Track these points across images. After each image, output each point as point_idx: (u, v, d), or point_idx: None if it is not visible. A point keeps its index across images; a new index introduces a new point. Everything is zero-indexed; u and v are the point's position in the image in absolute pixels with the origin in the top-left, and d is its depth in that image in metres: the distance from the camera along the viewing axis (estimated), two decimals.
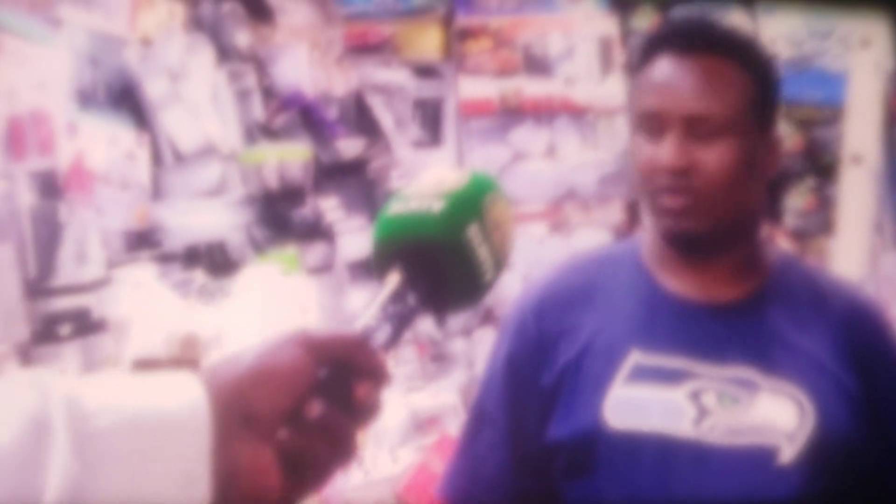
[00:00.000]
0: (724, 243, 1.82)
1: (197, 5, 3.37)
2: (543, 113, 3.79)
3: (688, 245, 1.83)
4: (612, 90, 3.72)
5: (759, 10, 3.88)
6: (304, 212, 3.31)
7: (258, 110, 3.41)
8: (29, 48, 2.86)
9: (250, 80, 3.41)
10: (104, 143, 3.00)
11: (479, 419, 1.96)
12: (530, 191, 3.73)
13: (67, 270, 2.77)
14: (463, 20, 3.79)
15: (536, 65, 3.81)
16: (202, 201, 3.17)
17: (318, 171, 3.40)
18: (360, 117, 3.61)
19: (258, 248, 3.18)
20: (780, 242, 3.71)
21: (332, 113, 3.55)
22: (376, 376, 0.93)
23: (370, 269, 1.05)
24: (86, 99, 3.00)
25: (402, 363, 3.34)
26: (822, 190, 3.80)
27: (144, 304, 2.85)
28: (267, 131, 3.39)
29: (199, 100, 3.25)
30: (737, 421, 1.75)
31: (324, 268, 3.30)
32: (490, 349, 2.01)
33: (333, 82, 3.59)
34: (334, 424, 0.90)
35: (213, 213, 3.15)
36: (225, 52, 3.38)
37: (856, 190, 3.71)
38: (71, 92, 2.95)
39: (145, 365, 2.74)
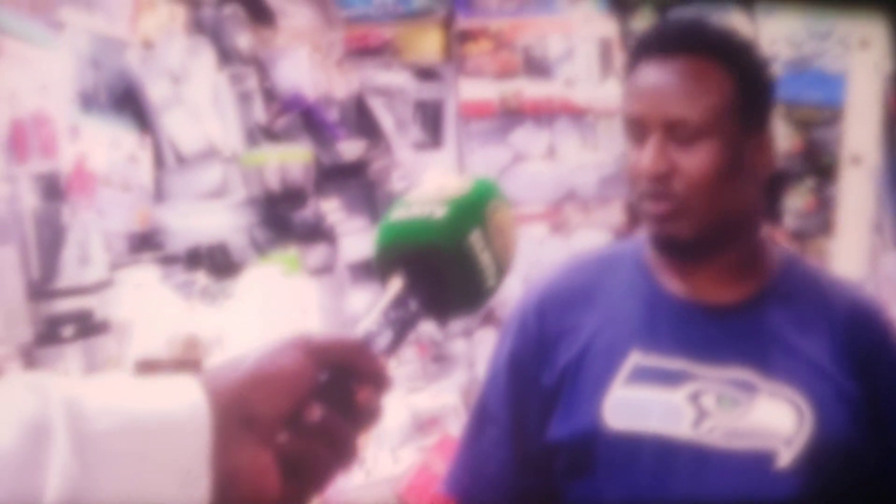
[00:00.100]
0: (715, 246, 1.81)
1: (198, 8, 3.37)
2: (543, 114, 3.80)
3: (675, 249, 1.82)
4: (611, 92, 3.73)
5: (758, 11, 3.89)
6: (306, 213, 3.31)
7: (259, 113, 3.41)
8: (31, 51, 2.87)
9: (251, 82, 3.42)
10: (106, 145, 3.00)
11: (481, 417, 1.96)
12: (530, 192, 3.74)
13: (70, 272, 2.78)
14: (463, 22, 3.80)
15: (536, 66, 3.82)
16: (204, 203, 3.18)
17: (319, 172, 3.40)
18: (361, 119, 3.62)
19: (260, 249, 3.19)
20: (779, 243, 3.71)
21: (332, 115, 3.56)
22: (377, 381, 0.93)
23: (371, 270, 1.05)
24: (88, 101, 3.01)
25: (403, 364, 3.35)
26: (822, 190, 3.80)
27: (147, 305, 2.85)
28: (268, 133, 3.40)
29: (200, 102, 3.25)
30: (735, 423, 1.75)
31: (325, 269, 3.31)
32: (491, 350, 2.02)
33: (334, 84, 3.59)
34: (334, 428, 0.90)
35: (214, 214, 3.16)
36: (226, 55, 3.38)
37: (855, 190, 3.71)
38: (73, 94, 2.95)
39: (147, 366, 2.75)
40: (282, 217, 3.25)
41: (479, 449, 1.95)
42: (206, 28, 3.37)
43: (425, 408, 3.28)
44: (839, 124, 3.78)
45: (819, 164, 3.82)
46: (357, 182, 3.48)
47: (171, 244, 3.06)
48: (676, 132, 1.75)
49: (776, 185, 3.80)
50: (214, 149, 3.23)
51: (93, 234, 2.85)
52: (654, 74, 1.77)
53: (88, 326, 2.77)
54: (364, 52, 3.68)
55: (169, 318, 2.85)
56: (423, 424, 3.25)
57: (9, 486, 0.79)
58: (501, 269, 1.03)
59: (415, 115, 3.72)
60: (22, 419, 0.81)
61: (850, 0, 3.82)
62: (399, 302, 0.98)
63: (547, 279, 1.99)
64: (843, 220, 3.70)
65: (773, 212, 3.77)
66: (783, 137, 3.84)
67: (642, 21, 3.82)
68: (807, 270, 1.91)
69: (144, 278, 2.90)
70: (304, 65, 3.53)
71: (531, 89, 3.80)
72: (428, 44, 3.77)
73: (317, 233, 3.31)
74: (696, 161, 1.74)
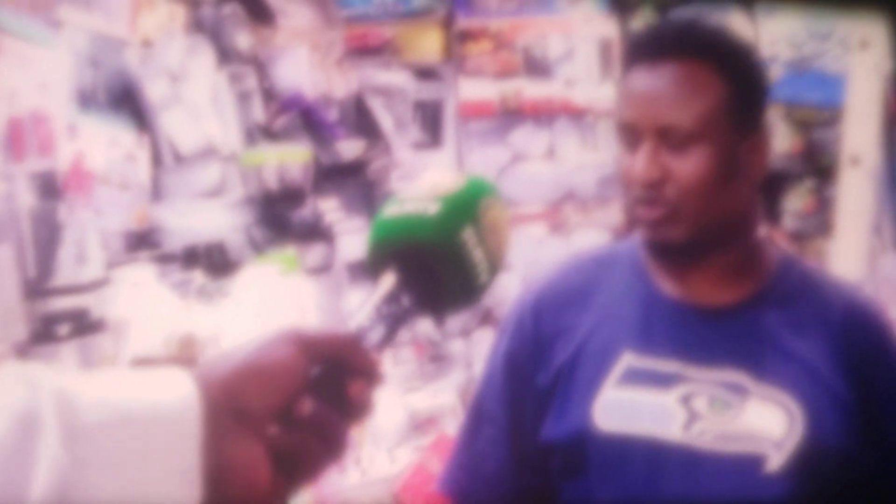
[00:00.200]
0: (710, 248, 1.80)
1: (198, 7, 3.37)
2: (543, 114, 3.80)
3: (669, 253, 1.81)
4: (611, 92, 3.72)
5: (758, 11, 3.89)
6: (304, 213, 3.31)
7: (258, 112, 3.41)
8: (29, 49, 2.87)
9: (251, 81, 3.42)
10: (104, 144, 3.00)
11: (478, 416, 1.96)
12: (529, 192, 3.74)
13: (66, 271, 2.78)
14: (463, 22, 3.80)
15: (536, 67, 3.82)
16: (202, 202, 3.18)
17: (317, 172, 3.40)
18: (361, 119, 3.62)
19: (257, 248, 3.19)
20: (778, 244, 3.71)
21: (332, 114, 3.56)
22: (369, 375, 0.94)
23: (369, 270, 1.05)
24: (86, 100, 3.01)
25: (400, 364, 3.35)
26: (822, 191, 3.80)
27: (143, 304, 2.85)
28: (267, 133, 3.40)
29: (199, 101, 3.25)
30: (726, 426, 1.74)
31: (323, 268, 3.31)
32: (488, 349, 2.02)
33: (334, 84, 3.60)
34: (325, 422, 0.91)
35: (212, 213, 3.16)
36: (225, 54, 3.38)
37: (854, 191, 3.70)
38: (71, 93, 2.95)
39: (144, 365, 2.75)
40: (280, 216, 3.25)
41: (475, 448, 1.95)
42: (205, 27, 3.37)
43: (422, 407, 3.28)
44: (839, 125, 3.77)
45: (818, 165, 3.81)
46: (356, 182, 3.48)
47: (168, 243, 3.06)
48: (669, 138, 1.74)
49: (775, 185, 3.80)
50: (213, 148, 3.23)
51: (90, 233, 2.85)
52: (646, 80, 1.77)
53: (84, 325, 2.77)
54: (364, 51, 3.68)
55: (165, 316, 2.85)
56: (420, 424, 3.25)
57: None
58: (494, 265, 1.03)
59: (414, 115, 3.73)
60: (12, 411, 0.81)
61: (851, 0, 3.82)
62: (391, 297, 0.98)
63: (544, 279, 1.99)
64: (843, 221, 3.70)
65: (772, 213, 3.77)
66: (783, 138, 3.83)
67: (642, 21, 3.82)
68: (804, 272, 1.90)
69: (141, 277, 2.90)
70: (304, 64, 3.53)
71: (531, 89, 3.80)
72: (428, 43, 3.77)
73: (315, 232, 3.31)
74: (688, 167, 1.74)
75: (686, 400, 1.76)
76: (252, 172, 3.26)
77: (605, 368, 1.80)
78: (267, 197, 3.25)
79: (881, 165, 3.74)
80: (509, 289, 3.30)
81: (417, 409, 3.28)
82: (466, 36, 3.80)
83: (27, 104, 2.78)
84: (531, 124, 3.80)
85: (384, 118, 3.66)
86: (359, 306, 0.99)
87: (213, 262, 2.99)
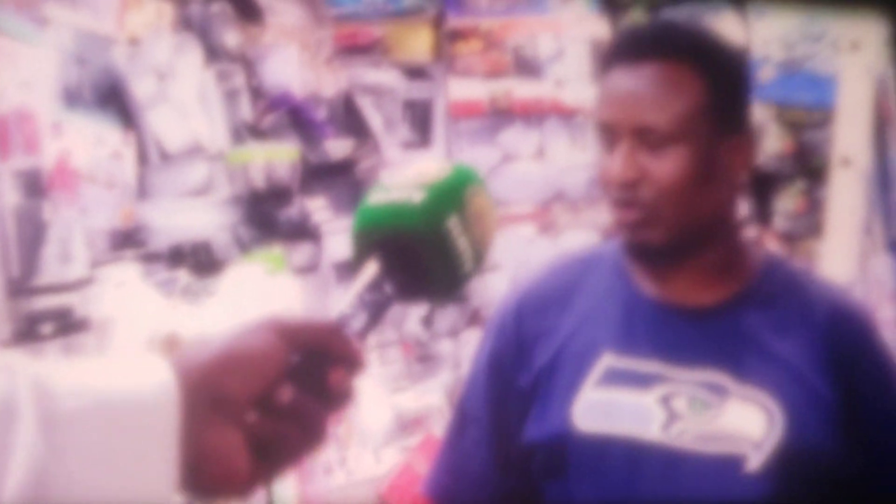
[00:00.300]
0: (689, 250, 1.80)
1: (185, 5, 3.36)
2: (533, 114, 3.79)
3: (646, 256, 1.81)
4: None
5: (750, 12, 3.88)
6: (291, 212, 3.30)
7: (246, 110, 3.40)
8: (15, 47, 2.86)
9: (238, 80, 3.40)
10: (90, 142, 2.99)
11: (463, 418, 1.97)
12: (519, 192, 3.73)
13: (51, 269, 2.76)
14: (453, 21, 3.78)
15: (526, 66, 3.81)
16: (188, 201, 3.16)
17: (305, 171, 3.38)
18: (349, 118, 3.60)
19: (244, 247, 3.17)
20: (769, 245, 3.71)
21: (320, 113, 3.54)
22: (350, 363, 0.94)
23: (353, 257, 1.05)
24: (72, 98, 2.99)
25: (387, 364, 3.33)
26: (813, 192, 3.79)
27: (128, 303, 2.84)
28: (255, 131, 3.38)
29: (186, 99, 3.24)
30: (706, 427, 1.74)
31: (310, 268, 3.29)
32: (475, 350, 2.03)
33: (323, 83, 3.58)
34: (305, 410, 0.91)
35: (198, 212, 3.14)
36: (213, 52, 3.37)
37: (845, 192, 3.70)
38: (57, 91, 2.94)
39: None
40: (267, 215, 3.24)
41: (459, 450, 1.96)
42: (193, 25, 3.35)
43: (409, 408, 3.27)
44: (830, 126, 3.77)
45: (810, 166, 3.81)
46: (344, 181, 3.46)
47: (154, 242, 3.04)
48: (646, 138, 1.74)
49: (766, 186, 3.79)
50: (200, 146, 3.22)
51: (74, 232, 2.84)
52: (625, 80, 1.77)
53: (68, 324, 2.75)
54: (353, 50, 3.66)
55: (150, 316, 2.84)
56: (407, 425, 3.24)
57: None
58: (479, 254, 1.03)
59: (404, 114, 3.71)
60: None
61: (845, 1, 3.81)
62: (375, 285, 0.99)
63: (527, 281, 2.00)
64: (833, 222, 3.70)
65: (763, 213, 3.77)
66: (774, 139, 3.83)
67: (633, 21, 3.81)
68: (789, 273, 1.90)
69: (126, 276, 2.89)
70: (292, 63, 3.51)
71: (521, 89, 3.79)
72: (417, 43, 3.76)
73: (302, 231, 3.30)
74: (665, 168, 1.73)
75: (666, 400, 1.76)
76: (238, 171, 3.24)
77: (585, 369, 1.81)
78: (254, 196, 3.23)
79: (872, 167, 3.74)
80: (498, 289, 3.29)
81: (404, 409, 3.26)
82: (456, 35, 3.78)
83: (12, 102, 2.78)
84: (521, 124, 3.78)
85: (373, 117, 3.64)
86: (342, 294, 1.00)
87: (199, 261, 2.98)
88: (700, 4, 3.79)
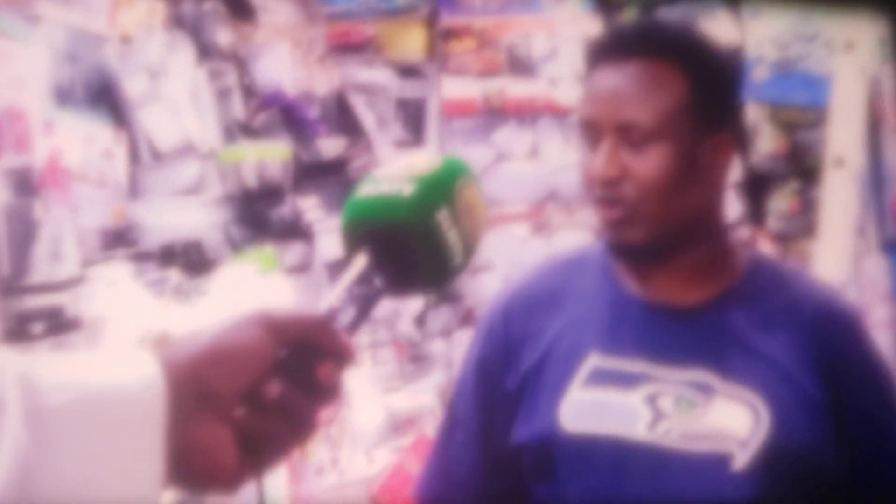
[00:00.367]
0: (672, 249, 1.80)
1: (178, 3, 3.35)
2: (527, 114, 3.78)
3: (629, 255, 1.81)
4: None
5: (744, 12, 3.88)
6: (283, 211, 3.29)
7: (238, 109, 3.39)
8: (6, 45, 2.85)
9: (231, 78, 3.39)
10: (81, 140, 2.98)
11: (451, 421, 1.98)
12: (512, 192, 3.72)
13: (41, 268, 2.76)
14: (446, 20, 3.78)
15: (520, 65, 3.80)
16: (179, 200, 3.15)
17: (297, 170, 3.38)
18: (342, 117, 3.59)
19: (235, 247, 3.16)
20: (762, 245, 3.70)
21: (313, 112, 3.53)
22: (338, 357, 0.94)
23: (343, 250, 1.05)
24: (63, 96, 2.99)
25: (379, 364, 3.33)
26: (806, 193, 3.79)
27: (119, 302, 2.83)
28: (247, 130, 3.37)
29: (178, 98, 3.23)
30: (692, 425, 1.74)
31: (302, 267, 3.29)
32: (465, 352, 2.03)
33: (315, 81, 3.57)
34: (293, 404, 0.91)
35: (190, 211, 3.13)
36: (205, 51, 3.36)
37: (839, 193, 3.70)
38: (48, 89, 2.94)
39: None
40: (259, 214, 3.23)
41: (448, 453, 1.97)
42: (185, 23, 3.34)
43: (402, 408, 3.26)
44: (824, 126, 3.77)
45: (803, 166, 3.80)
46: (336, 180, 3.45)
47: (145, 241, 3.03)
48: (628, 135, 1.74)
49: (760, 186, 3.79)
50: (191, 145, 3.21)
51: (65, 230, 2.83)
52: (607, 78, 1.77)
53: (59, 324, 2.75)
54: (346, 48, 3.65)
55: (141, 315, 2.83)
56: (400, 425, 3.23)
57: None
58: (469, 247, 1.03)
59: (396, 113, 3.70)
60: None
61: (838, 1, 3.81)
62: (364, 278, 0.98)
63: (515, 283, 2.01)
64: (827, 223, 3.70)
65: (756, 214, 3.76)
66: (768, 139, 3.83)
67: (628, 20, 3.81)
68: (776, 272, 1.90)
69: (117, 275, 2.88)
70: (285, 61, 3.51)
71: (514, 88, 3.78)
72: (411, 41, 3.75)
73: (294, 231, 3.29)
74: (647, 165, 1.74)
75: (651, 399, 1.76)
76: (230, 169, 3.23)
77: (571, 370, 1.81)
78: (245, 195, 3.22)
79: (865, 167, 3.73)
80: (491, 289, 3.28)
81: (397, 409, 3.26)
82: (450, 34, 3.77)
83: (3, 100, 2.77)
84: (514, 123, 3.78)
85: (366, 116, 3.63)
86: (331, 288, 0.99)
87: (191, 260, 2.97)
88: (694, 4, 3.78)
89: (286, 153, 3.37)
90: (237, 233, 3.18)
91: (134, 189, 3.09)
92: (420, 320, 3.43)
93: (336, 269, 3.32)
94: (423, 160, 1.04)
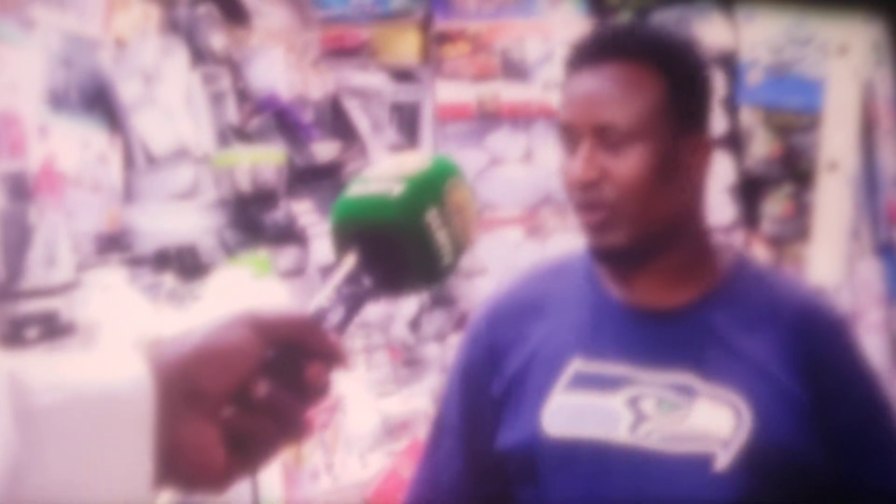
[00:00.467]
0: (653, 251, 1.80)
1: (172, 7, 3.35)
2: (521, 118, 3.78)
3: (610, 259, 1.81)
4: None
5: (738, 15, 3.88)
6: (277, 215, 3.29)
7: (232, 113, 3.39)
8: (1, 49, 2.85)
9: (225, 82, 3.39)
10: (76, 145, 2.98)
11: (438, 428, 1.99)
12: (507, 196, 3.72)
13: (36, 273, 2.76)
14: (441, 24, 3.78)
15: (514, 70, 3.80)
16: (174, 204, 3.15)
17: (291, 174, 3.38)
18: (336, 121, 3.60)
19: (229, 251, 3.16)
20: (756, 248, 3.71)
21: (307, 116, 3.54)
22: (327, 357, 0.94)
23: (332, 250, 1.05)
24: (58, 101, 2.99)
25: (373, 368, 3.33)
26: (800, 196, 3.80)
27: (113, 307, 2.83)
28: (241, 134, 3.38)
29: (172, 102, 3.23)
30: (674, 427, 1.74)
31: (296, 272, 3.29)
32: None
33: (309, 85, 3.57)
34: (281, 404, 0.91)
35: (184, 216, 3.13)
36: (199, 55, 3.36)
37: (833, 196, 3.70)
38: (43, 93, 2.94)
39: None
40: (253, 219, 3.23)
41: (435, 460, 1.98)
42: (179, 27, 3.34)
43: (396, 412, 3.26)
44: (818, 130, 3.77)
45: (797, 170, 3.81)
46: (330, 184, 3.45)
47: (139, 245, 3.04)
48: (606, 137, 1.75)
49: (754, 190, 3.79)
50: (186, 149, 3.21)
51: (60, 235, 2.83)
52: (585, 82, 1.78)
53: (53, 328, 2.75)
54: (340, 52, 3.65)
55: (136, 320, 2.83)
56: (394, 429, 3.23)
57: None
58: (459, 247, 1.03)
59: (391, 117, 3.70)
60: None
61: (832, 5, 3.82)
62: (353, 278, 0.98)
63: (500, 291, 2.02)
64: (821, 226, 3.70)
65: (750, 217, 3.77)
66: (762, 143, 3.83)
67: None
68: (759, 273, 1.90)
69: (112, 280, 2.88)
70: (279, 65, 3.51)
71: (509, 92, 3.78)
72: (405, 45, 3.75)
73: (288, 235, 3.29)
74: (626, 166, 1.74)
75: (633, 402, 1.77)
76: (224, 174, 3.23)
77: (554, 375, 1.81)
78: (239, 199, 3.22)
79: (859, 170, 3.74)
80: (485, 293, 3.28)
81: (391, 413, 3.26)
82: (444, 38, 3.78)
83: None
84: (509, 128, 3.78)
85: (360, 120, 3.64)
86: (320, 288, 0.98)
87: (185, 265, 2.97)
88: (688, 7, 3.79)
89: (280, 157, 3.37)
90: (231, 237, 3.19)
91: (128, 193, 3.10)
92: (414, 324, 3.43)
93: (330, 273, 3.32)
94: (412, 160, 1.04)
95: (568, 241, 3.74)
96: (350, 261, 0.99)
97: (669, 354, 1.78)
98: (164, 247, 3.04)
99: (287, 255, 3.29)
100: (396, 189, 1.00)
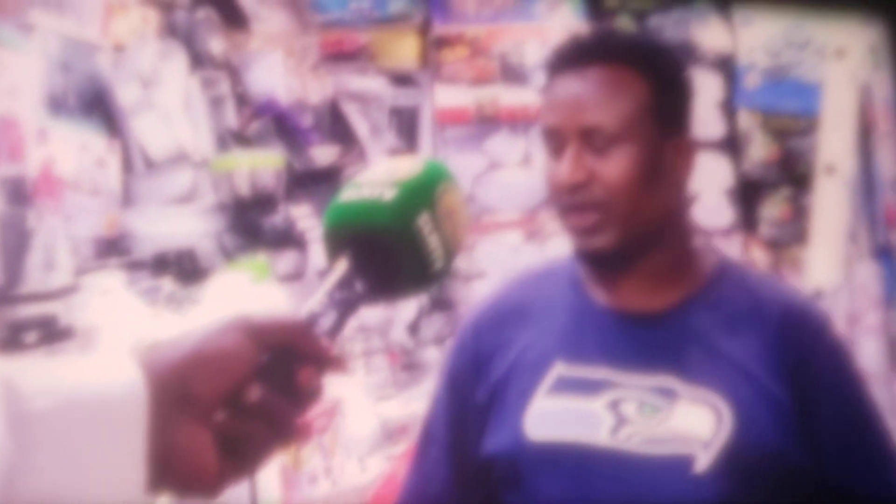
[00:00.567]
0: (639, 254, 1.80)
1: (171, 12, 3.35)
2: (519, 122, 3.79)
3: (598, 262, 1.82)
4: None
5: (736, 19, 3.89)
6: (276, 219, 3.29)
7: (231, 117, 3.39)
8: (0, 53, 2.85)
9: (223, 86, 3.40)
10: (75, 149, 2.98)
11: (426, 437, 1.99)
12: (505, 199, 3.73)
13: (35, 277, 2.75)
14: (439, 28, 3.79)
15: (513, 73, 3.81)
16: (172, 208, 3.16)
17: (290, 178, 3.38)
18: (335, 125, 3.60)
19: (228, 255, 3.16)
20: (754, 252, 3.71)
21: (306, 120, 3.54)
22: (319, 362, 0.94)
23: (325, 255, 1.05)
24: (57, 105, 2.99)
25: (372, 372, 3.33)
26: (798, 199, 3.80)
27: (112, 311, 2.83)
28: (240, 138, 3.38)
29: (171, 106, 3.23)
30: (655, 430, 1.75)
31: (295, 276, 3.29)
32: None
33: (308, 90, 3.58)
34: (273, 408, 0.92)
35: (183, 220, 3.13)
36: (198, 59, 3.36)
37: (830, 200, 3.71)
38: (42, 98, 2.93)
39: None
40: (251, 223, 3.23)
41: (422, 470, 1.99)
42: (178, 32, 3.35)
43: (395, 416, 3.26)
44: (815, 133, 3.78)
45: (795, 173, 3.82)
46: (329, 188, 3.46)
47: (138, 249, 3.03)
48: (592, 140, 1.75)
49: (752, 194, 3.80)
50: (184, 153, 3.21)
51: (59, 239, 2.83)
52: (569, 85, 1.78)
53: (52, 332, 2.74)
54: (339, 57, 3.66)
55: (134, 324, 2.83)
56: (393, 433, 3.23)
57: None
58: (450, 251, 1.03)
59: (390, 122, 3.71)
60: None
61: (830, 9, 3.82)
62: (345, 283, 0.98)
63: (486, 298, 2.02)
64: (818, 229, 3.71)
65: (748, 221, 3.77)
66: (760, 146, 3.84)
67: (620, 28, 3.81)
68: (742, 276, 1.90)
69: (110, 284, 2.88)
70: (278, 69, 3.51)
71: (507, 96, 3.79)
72: (404, 50, 3.76)
73: (287, 239, 3.29)
74: (613, 167, 1.75)
75: (614, 405, 1.77)
76: (223, 178, 3.23)
77: (537, 380, 1.82)
78: (238, 203, 3.22)
79: (856, 174, 3.75)
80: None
81: (390, 417, 3.26)
82: (443, 42, 3.78)
83: None
84: (507, 131, 3.78)
85: (359, 124, 3.64)
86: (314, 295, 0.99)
87: (184, 269, 2.96)
88: (686, 11, 3.79)
89: (279, 162, 3.37)
90: (230, 241, 3.19)
91: (127, 198, 3.10)
92: (413, 328, 3.43)
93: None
94: (404, 165, 1.05)
95: (566, 244, 3.75)
96: (342, 265, 0.99)
97: (651, 357, 1.78)
98: (163, 251, 3.04)
99: (286, 259, 3.29)
100: (388, 194, 1.01)
